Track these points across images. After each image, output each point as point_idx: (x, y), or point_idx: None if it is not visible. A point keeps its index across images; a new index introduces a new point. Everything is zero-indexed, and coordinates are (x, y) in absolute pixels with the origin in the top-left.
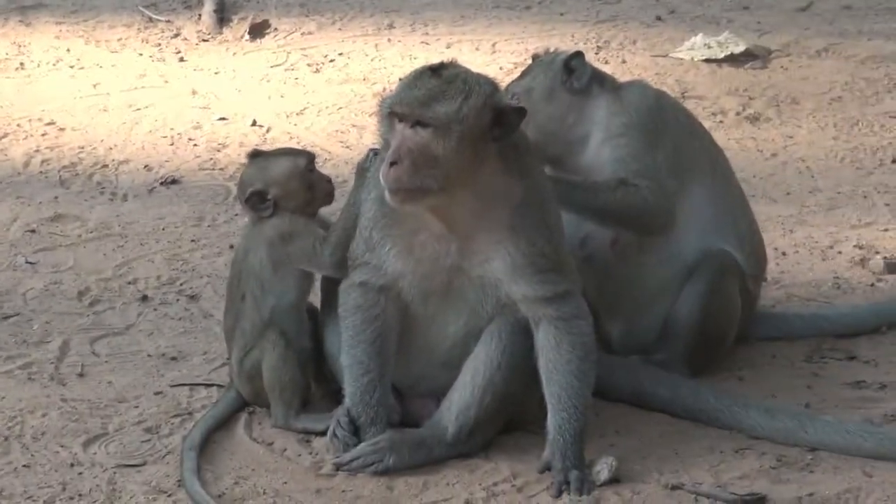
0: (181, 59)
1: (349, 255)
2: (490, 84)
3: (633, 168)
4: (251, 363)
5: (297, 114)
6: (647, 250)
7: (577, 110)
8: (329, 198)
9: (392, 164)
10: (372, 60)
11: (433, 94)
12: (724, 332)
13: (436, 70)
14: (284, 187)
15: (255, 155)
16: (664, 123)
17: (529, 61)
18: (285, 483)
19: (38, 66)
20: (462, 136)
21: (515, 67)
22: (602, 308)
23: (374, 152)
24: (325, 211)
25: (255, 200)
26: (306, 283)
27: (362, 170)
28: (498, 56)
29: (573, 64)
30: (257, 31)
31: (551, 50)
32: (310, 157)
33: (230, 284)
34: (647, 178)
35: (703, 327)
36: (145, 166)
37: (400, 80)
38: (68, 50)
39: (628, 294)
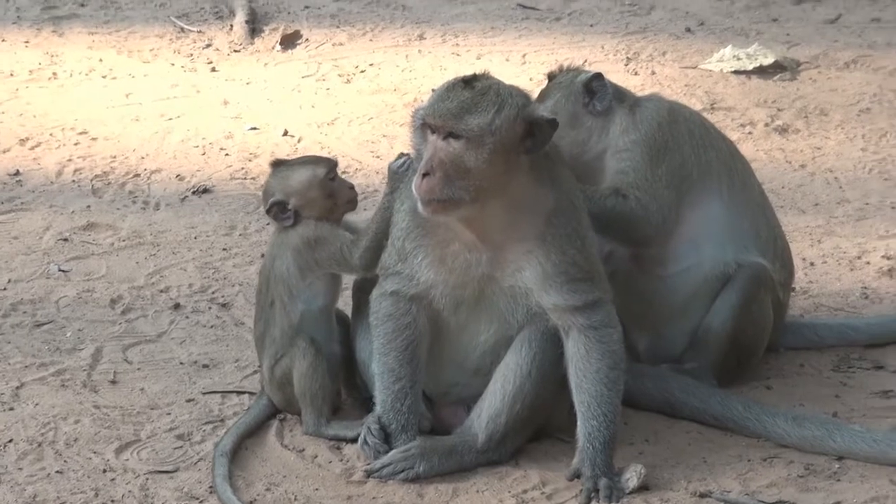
0: (213, 70)
1: (381, 265)
2: (522, 96)
3: (629, 179)
4: (282, 371)
5: (327, 124)
6: (664, 263)
7: (599, 130)
8: (352, 205)
9: (425, 175)
10: (402, 71)
11: (466, 105)
12: (756, 343)
13: (468, 82)
14: (304, 196)
15: (278, 164)
16: (674, 138)
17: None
18: (316, 490)
19: (71, 75)
20: (494, 147)
21: (545, 79)
22: (628, 321)
23: (406, 156)
24: (350, 217)
25: (277, 210)
26: (334, 289)
27: (394, 172)
28: (528, 67)
29: (594, 86)
30: (289, 41)
31: (566, 67)
32: (330, 165)
33: (259, 292)
34: (640, 190)
35: (735, 338)
36: (177, 175)
37: (432, 91)
38: (101, 60)
39: (653, 307)
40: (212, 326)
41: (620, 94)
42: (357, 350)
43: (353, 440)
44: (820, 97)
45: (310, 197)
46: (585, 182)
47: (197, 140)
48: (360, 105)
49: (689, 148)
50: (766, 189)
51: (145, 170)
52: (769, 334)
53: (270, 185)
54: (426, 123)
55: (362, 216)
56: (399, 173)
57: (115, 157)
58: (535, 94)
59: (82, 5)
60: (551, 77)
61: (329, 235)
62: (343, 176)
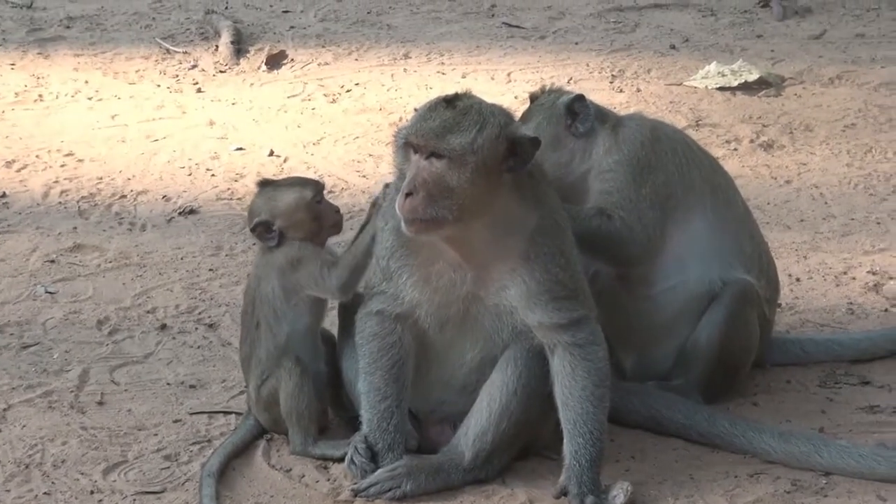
0: (199, 90)
1: (366, 284)
2: (504, 115)
3: (613, 200)
4: (268, 391)
5: (313, 143)
6: (650, 282)
7: (581, 152)
8: (337, 228)
9: (408, 194)
10: (388, 90)
11: (448, 125)
12: (742, 360)
13: (450, 101)
14: (290, 218)
15: (264, 184)
16: (656, 157)
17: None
18: None
19: (57, 97)
20: (477, 166)
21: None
22: (615, 339)
23: (388, 186)
24: (332, 241)
25: (261, 230)
26: (319, 309)
27: (378, 201)
28: (514, 85)
29: (576, 107)
30: (274, 61)
31: (548, 88)
32: (317, 188)
33: (244, 313)
34: (625, 210)
35: (721, 355)
36: (163, 196)
37: (415, 110)
38: (87, 82)
39: (639, 326)
40: (198, 347)
41: (602, 115)
42: (343, 369)
43: (340, 459)
44: (805, 113)
45: (295, 219)
46: (569, 203)
47: (183, 161)
48: (345, 124)
49: (673, 166)
50: (751, 205)
51: (132, 191)
52: (755, 350)
53: (256, 204)
54: (409, 143)
55: (347, 236)
56: (381, 202)
57: (101, 178)
58: (519, 113)
59: (68, 27)
60: (533, 98)
61: (311, 255)
62: (329, 195)
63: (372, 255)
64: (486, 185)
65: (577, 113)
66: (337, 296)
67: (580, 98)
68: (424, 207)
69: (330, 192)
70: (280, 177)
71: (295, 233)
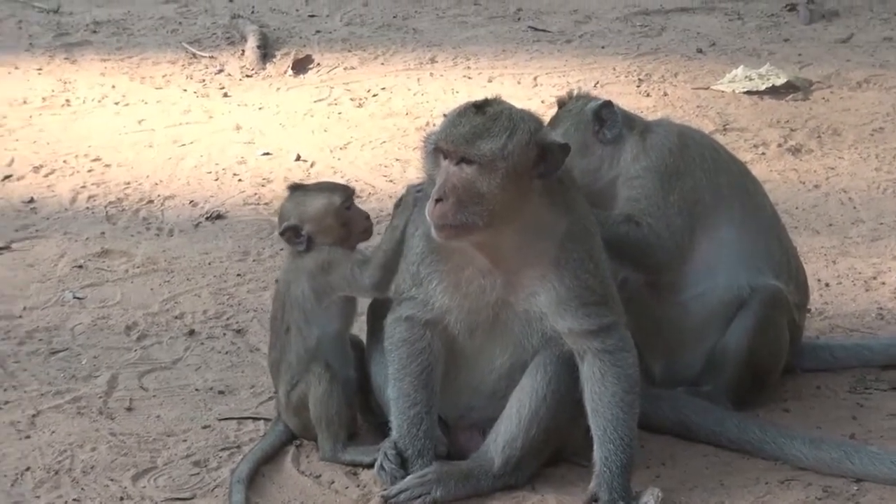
0: (225, 95)
1: (395, 289)
2: (534, 120)
3: (641, 206)
4: (298, 396)
5: (340, 148)
6: (679, 288)
7: (609, 158)
8: (367, 234)
9: (438, 200)
10: (414, 95)
11: (478, 131)
12: (772, 366)
13: (480, 107)
14: (319, 224)
15: (295, 188)
16: (684, 163)
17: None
18: None
19: (84, 102)
20: (507, 172)
21: (556, 103)
22: (644, 345)
23: (417, 189)
24: (362, 246)
25: (290, 235)
26: (349, 312)
27: (409, 191)
28: (540, 89)
29: (604, 114)
30: (300, 66)
31: (575, 94)
32: (347, 193)
33: (274, 318)
34: (653, 217)
35: (750, 361)
36: (190, 201)
37: (444, 115)
38: (113, 86)
39: (668, 332)
40: (227, 352)
41: (630, 121)
42: (372, 375)
43: (370, 465)
44: (833, 117)
45: (324, 224)
46: (597, 209)
47: (210, 166)
48: (372, 129)
49: (701, 172)
50: (779, 210)
51: (159, 196)
52: (785, 356)
53: (286, 208)
54: (439, 148)
55: (375, 241)
56: (412, 192)
57: (128, 183)
58: (546, 118)
59: (94, 32)
60: (561, 104)
61: (340, 257)
62: (356, 200)
63: (401, 250)
64: (517, 191)
65: (604, 119)
66: (371, 294)
67: (608, 104)
68: (455, 213)
69: (357, 196)
70: (307, 182)
71: (324, 238)
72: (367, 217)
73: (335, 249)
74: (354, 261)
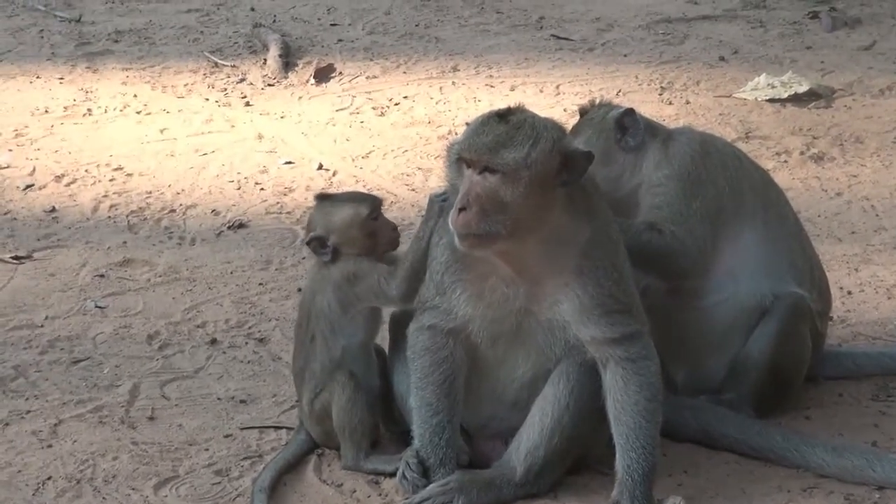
0: (247, 104)
1: (419, 298)
2: (557, 129)
3: (664, 214)
4: (321, 405)
5: (362, 157)
6: (701, 295)
7: (631, 166)
8: (393, 245)
9: (461, 209)
10: (437, 103)
11: (501, 140)
12: (794, 374)
13: (503, 116)
14: (345, 235)
15: (322, 198)
16: (707, 171)
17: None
18: None
19: (106, 111)
20: (530, 181)
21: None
22: (666, 353)
23: (442, 199)
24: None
25: (316, 245)
26: (375, 322)
27: (432, 202)
28: (562, 98)
29: (626, 122)
30: (322, 74)
31: (597, 102)
32: (374, 204)
33: (298, 326)
34: (676, 225)
35: (773, 369)
36: (212, 210)
37: (467, 124)
38: (135, 96)
39: (690, 339)
40: (249, 362)
41: (652, 129)
42: (395, 384)
43: (392, 474)
44: (855, 125)
45: (350, 235)
46: (620, 217)
47: (232, 175)
48: (394, 138)
49: (723, 180)
50: (802, 217)
51: (181, 205)
52: (807, 364)
53: (314, 218)
54: (462, 158)
55: (401, 249)
56: (437, 203)
57: (150, 192)
58: (568, 127)
59: (116, 41)
60: (583, 112)
61: (367, 269)
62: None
63: (427, 260)
64: (540, 200)
65: (627, 127)
66: (398, 305)
67: (630, 112)
68: (478, 222)
69: (383, 203)
70: (329, 191)
71: (350, 248)
72: (395, 228)
73: (361, 260)
74: (381, 272)
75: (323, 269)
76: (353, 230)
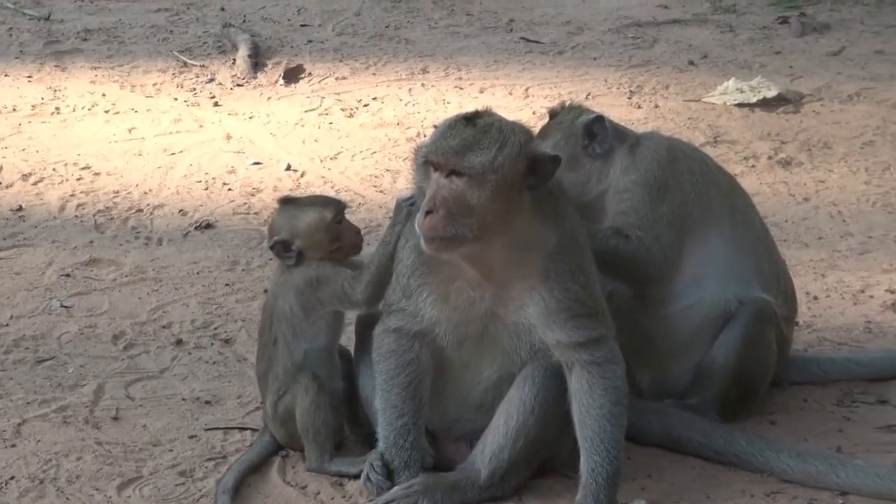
0: (216, 104)
1: (385, 301)
2: (525, 132)
3: (630, 220)
4: (284, 407)
5: (330, 158)
6: (667, 301)
7: (598, 172)
8: (356, 249)
9: (428, 212)
10: (406, 105)
11: (468, 143)
12: (760, 379)
13: (470, 119)
14: (310, 239)
15: (286, 202)
16: (674, 176)
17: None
18: None
19: (74, 110)
20: (497, 185)
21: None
22: (632, 358)
23: (409, 202)
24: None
25: (280, 249)
26: (337, 326)
27: (399, 206)
28: (531, 100)
29: (595, 128)
30: (291, 75)
31: (567, 105)
32: (338, 208)
33: (262, 329)
34: (642, 230)
35: (738, 374)
36: (180, 211)
37: (434, 127)
38: (104, 95)
39: (656, 345)
40: (214, 362)
41: (620, 134)
42: (360, 386)
43: (356, 476)
44: (823, 130)
45: (315, 239)
46: (587, 222)
47: (200, 175)
48: (363, 139)
49: (690, 186)
50: (769, 222)
51: (148, 205)
52: (773, 369)
53: (277, 222)
54: (429, 161)
55: (366, 251)
56: (404, 207)
57: (117, 192)
58: (536, 129)
59: (85, 40)
60: (552, 115)
61: (330, 273)
62: (346, 211)
63: (392, 265)
64: (507, 204)
65: (595, 134)
66: (362, 309)
67: (599, 119)
68: (444, 226)
69: (347, 207)
70: (297, 192)
71: (314, 252)
72: (358, 232)
73: (325, 265)
74: (345, 277)
75: (286, 272)
76: (317, 234)
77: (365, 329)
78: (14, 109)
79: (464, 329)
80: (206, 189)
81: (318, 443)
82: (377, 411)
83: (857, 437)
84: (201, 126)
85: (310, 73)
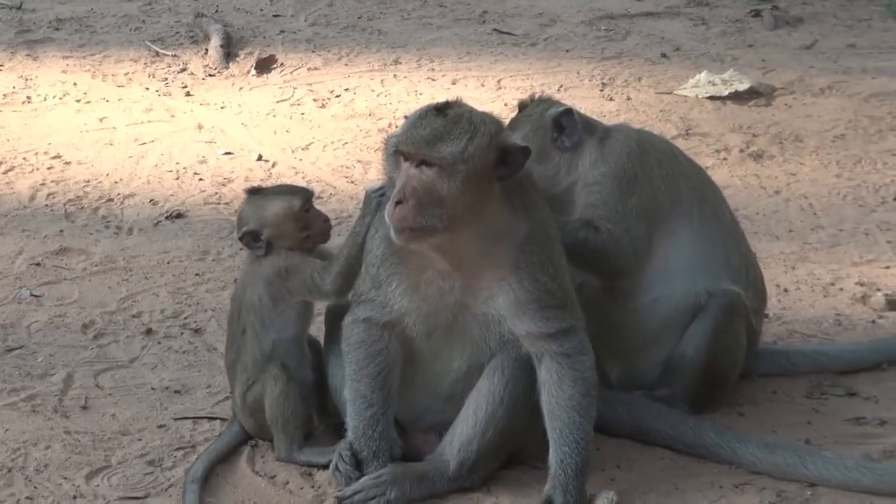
0: (187, 94)
1: (354, 291)
2: (495, 123)
3: (600, 212)
4: (253, 397)
5: (302, 149)
6: (636, 294)
7: (567, 165)
8: (325, 237)
9: (398, 203)
10: (378, 96)
11: (438, 133)
12: (729, 371)
13: (441, 109)
14: (278, 228)
15: (253, 192)
16: (643, 169)
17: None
18: None
19: (45, 99)
20: (467, 175)
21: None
22: (601, 350)
23: (379, 193)
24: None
25: (249, 239)
26: (307, 316)
27: (369, 197)
28: (503, 92)
29: (564, 121)
30: (263, 66)
31: (537, 97)
32: (306, 197)
33: (231, 319)
34: (611, 222)
35: (707, 366)
36: (151, 200)
37: (405, 118)
38: (75, 84)
39: (625, 337)
40: (184, 352)
41: (590, 127)
42: (329, 376)
43: (325, 466)
44: (795, 123)
45: (283, 228)
46: (556, 214)
47: (171, 165)
48: (334, 130)
49: (659, 178)
50: (739, 215)
51: (119, 194)
52: (742, 361)
53: (245, 213)
54: (399, 151)
55: (336, 242)
56: (374, 199)
57: (88, 181)
58: (507, 121)
59: (57, 29)
60: (522, 107)
61: (299, 263)
62: (317, 201)
63: (362, 256)
64: (477, 194)
65: (564, 127)
66: (331, 299)
67: (568, 112)
68: (414, 216)
69: (318, 197)
70: (268, 182)
71: (283, 242)
72: (326, 220)
73: (294, 255)
74: (314, 267)
75: (255, 262)
76: (286, 223)
77: (334, 319)
78: None
79: (433, 319)
80: (178, 179)
81: (287, 433)
82: (346, 401)
83: (826, 428)
84: (173, 116)
85: (282, 64)
